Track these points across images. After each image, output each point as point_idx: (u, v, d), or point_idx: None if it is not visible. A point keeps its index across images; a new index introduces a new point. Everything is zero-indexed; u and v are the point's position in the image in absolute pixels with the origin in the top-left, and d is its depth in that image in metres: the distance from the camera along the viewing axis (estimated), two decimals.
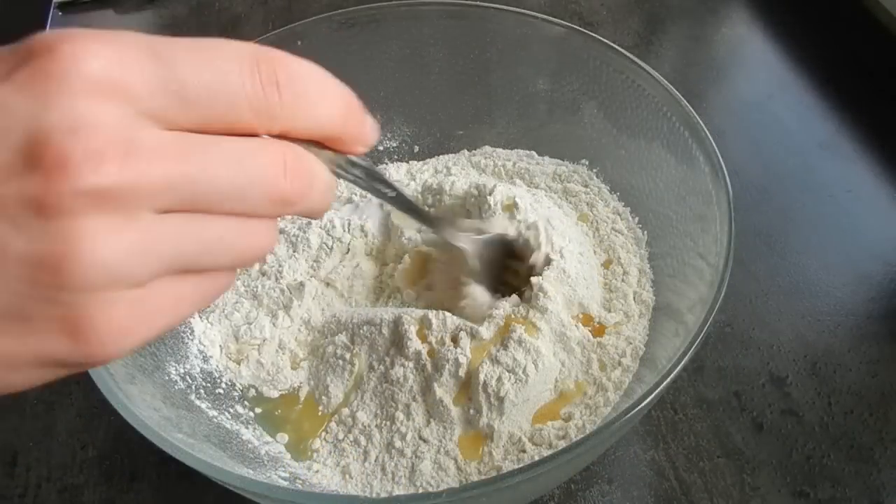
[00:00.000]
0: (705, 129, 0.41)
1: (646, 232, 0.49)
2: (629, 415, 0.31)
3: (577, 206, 0.51)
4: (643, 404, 0.31)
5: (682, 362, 0.32)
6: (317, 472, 0.40)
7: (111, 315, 0.19)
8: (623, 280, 0.46)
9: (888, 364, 0.47)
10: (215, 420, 0.41)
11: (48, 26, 0.81)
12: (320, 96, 0.22)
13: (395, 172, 0.56)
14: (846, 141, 0.61)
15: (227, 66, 0.20)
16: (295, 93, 0.21)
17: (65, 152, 0.17)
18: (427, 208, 0.51)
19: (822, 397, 0.46)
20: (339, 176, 0.24)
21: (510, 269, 0.45)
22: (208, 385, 0.43)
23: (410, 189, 0.53)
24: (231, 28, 0.79)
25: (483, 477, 0.38)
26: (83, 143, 0.17)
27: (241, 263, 0.22)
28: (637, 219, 0.50)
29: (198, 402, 0.41)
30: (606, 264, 0.47)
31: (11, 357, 0.19)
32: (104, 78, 0.18)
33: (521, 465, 0.37)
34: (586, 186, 0.52)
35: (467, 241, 0.42)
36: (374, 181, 0.28)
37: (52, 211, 0.17)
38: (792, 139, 0.62)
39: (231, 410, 0.43)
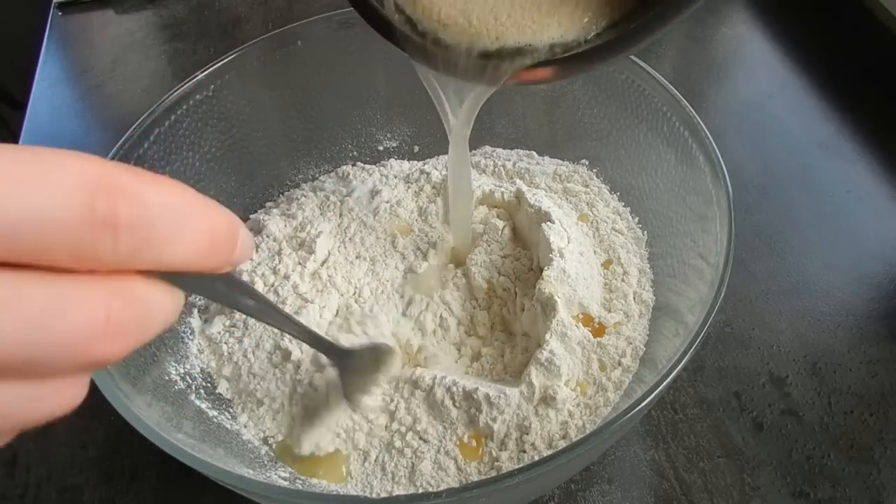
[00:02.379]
0: (705, 129, 0.41)
1: (646, 232, 0.49)
2: (629, 415, 0.31)
3: (577, 206, 0.51)
4: (643, 404, 0.31)
5: (682, 362, 0.32)
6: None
7: None
8: (623, 280, 0.46)
9: (888, 364, 0.47)
10: (215, 420, 0.41)
11: (48, 26, 0.81)
12: (175, 235, 0.17)
13: (398, 168, 0.56)
14: (846, 141, 0.61)
15: (46, 194, 0.15)
16: (138, 237, 0.16)
17: None
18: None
19: (822, 397, 0.46)
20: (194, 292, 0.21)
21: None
22: (208, 385, 0.43)
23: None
24: (231, 28, 0.79)
25: (483, 477, 0.38)
26: None
27: (34, 425, 0.18)
28: (637, 219, 0.50)
29: (198, 402, 0.41)
30: (606, 264, 0.47)
31: None
32: None
33: (521, 465, 0.37)
34: (586, 186, 0.52)
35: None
36: (238, 295, 0.25)
37: None
38: (792, 139, 0.62)
39: (231, 410, 0.43)
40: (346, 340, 0.42)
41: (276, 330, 0.44)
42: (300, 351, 0.43)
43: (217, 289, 0.22)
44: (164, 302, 0.18)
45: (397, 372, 0.42)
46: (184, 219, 0.18)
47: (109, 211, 0.16)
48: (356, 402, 0.39)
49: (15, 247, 0.15)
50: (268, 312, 0.30)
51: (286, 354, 0.43)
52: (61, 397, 0.17)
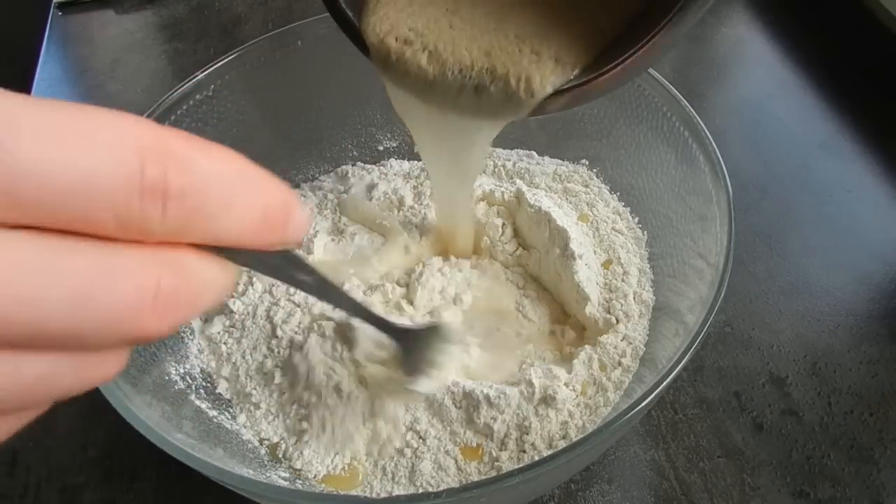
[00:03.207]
0: (705, 129, 0.41)
1: (646, 232, 0.49)
2: (629, 415, 0.31)
3: (577, 206, 0.51)
4: (643, 404, 0.31)
5: (682, 362, 0.32)
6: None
7: None
8: (623, 280, 0.46)
9: (888, 364, 0.47)
10: (215, 420, 0.41)
11: (48, 26, 0.81)
12: (227, 208, 0.16)
13: (398, 168, 0.56)
14: (846, 141, 0.61)
15: (94, 157, 0.14)
16: (188, 208, 0.15)
17: None
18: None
19: (822, 397, 0.46)
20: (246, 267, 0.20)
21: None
22: (208, 385, 0.44)
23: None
24: (231, 28, 0.79)
25: (483, 477, 0.38)
26: None
27: (70, 395, 0.17)
28: (637, 219, 0.50)
29: (198, 402, 0.41)
30: (606, 264, 0.47)
31: None
32: None
33: (521, 465, 0.37)
34: (586, 186, 0.52)
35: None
36: (295, 271, 0.24)
37: None
38: (792, 139, 0.62)
39: (231, 410, 0.43)
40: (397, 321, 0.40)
41: (276, 331, 0.44)
42: (310, 357, 0.42)
43: (272, 264, 0.21)
44: (215, 277, 0.17)
45: (456, 352, 0.40)
46: (237, 191, 0.16)
47: (159, 178, 0.15)
48: (415, 383, 0.38)
49: (60, 213, 0.14)
50: (325, 290, 0.29)
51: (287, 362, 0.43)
52: (100, 370, 0.17)
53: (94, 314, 0.15)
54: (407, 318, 0.44)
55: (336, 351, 0.42)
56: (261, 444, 0.41)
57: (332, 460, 0.40)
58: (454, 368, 0.41)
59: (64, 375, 0.16)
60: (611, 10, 0.31)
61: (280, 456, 0.40)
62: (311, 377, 0.41)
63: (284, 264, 0.23)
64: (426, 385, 0.39)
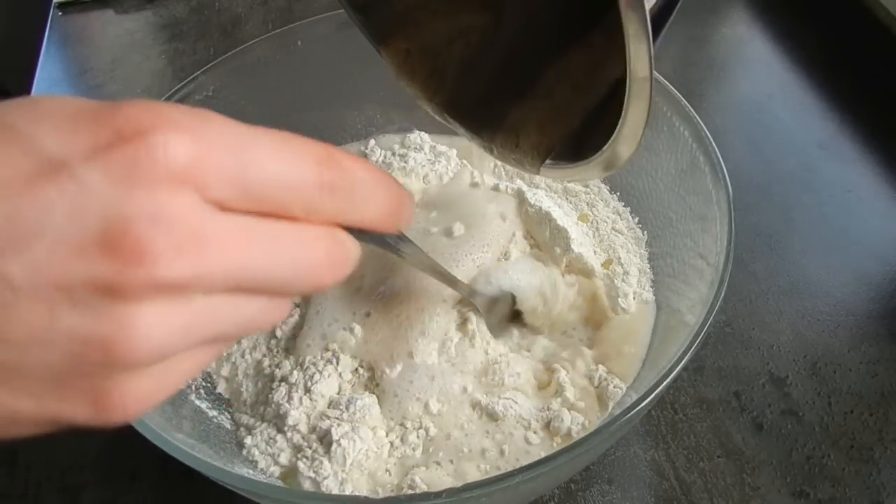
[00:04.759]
0: (705, 129, 0.41)
1: (646, 232, 0.49)
2: (629, 415, 0.31)
3: (577, 206, 0.51)
4: (643, 404, 0.31)
5: (682, 362, 0.32)
6: None
7: (139, 387, 0.19)
8: (623, 280, 0.46)
9: (888, 364, 0.47)
10: (215, 420, 0.41)
11: (48, 26, 0.81)
12: (368, 201, 0.23)
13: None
14: (846, 141, 0.61)
15: (295, 168, 0.20)
16: (346, 197, 0.22)
17: (144, 242, 0.17)
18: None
19: (822, 397, 0.46)
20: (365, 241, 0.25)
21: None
22: (208, 385, 0.44)
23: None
24: (231, 28, 0.79)
25: (483, 477, 0.38)
26: (163, 235, 0.17)
27: (254, 333, 0.23)
28: (637, 219, 0.50)
29: (198, 403, 0.41)
30: (606, 264, 0.47)
31: (25, 416, 0.19)
32: (186, 170, 0.18)
33: (521, 465, 0.37)
34: (586, 186, 0.52)
35: (480, 301, 0.42)
36: (401, 245, 0.31)
37: (119, 296, 0.17)
38: (792, 139, 0.62)
39: (230, 410, 0.43)
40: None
41: (275, 331, 0.45)
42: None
43: (388, 241, 0.29)
44: (355, 248, 0.23)
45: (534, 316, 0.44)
46: (376, 188, 0.23)
47: (332, 178, 0.21)
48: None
49: (270, 202, 0.20)
50: (421, 259, 0.35)
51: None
52: (280, 311, 0.22)
53: (299, 270, 0.21)
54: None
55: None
56: None
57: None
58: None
59: (265, 313, 0.21)
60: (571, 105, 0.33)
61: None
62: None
63: (396, 241, 0.30)
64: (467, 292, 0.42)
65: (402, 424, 0.40)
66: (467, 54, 0.35)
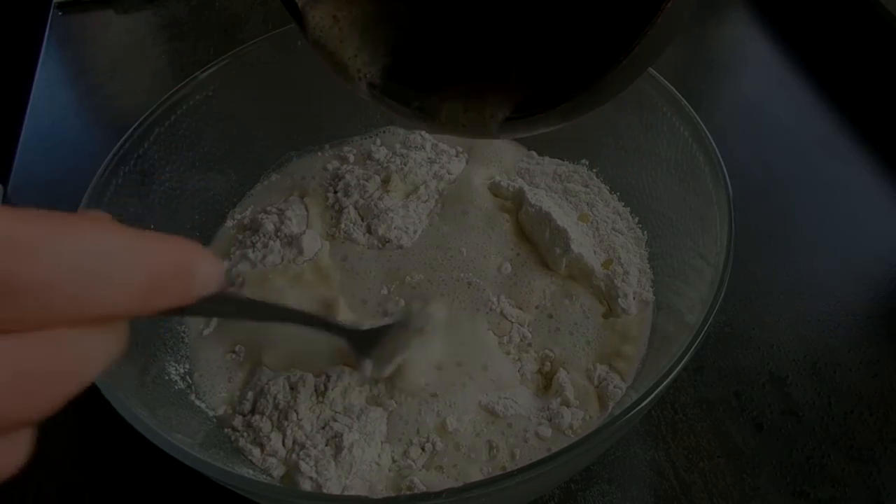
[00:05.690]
0: (705, 129, 0.41)
1: (646, 232, 0.49)
2: (629, 415, 0.31)
3: (577, 206, 0.51)
4: (643, 404, 0.31)
5: (682, 362, 0.32)
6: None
7: None
8: (623, 280, 0.46)
9: (888, 364, 0.47)
10: (215, 420, 0.41)
11: (48, 26, 0.81)
12: (100, 284, 0.16)
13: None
14: (846, 140, 0.61)
15: None
16: (47, 296, 0.15)
17: None
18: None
19: (822, 397, 0.46)
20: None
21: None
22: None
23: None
24: (231, 28, 0.79)
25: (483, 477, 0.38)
26: None
27: None
28: (637, 219, 0.50)
29: (198, 403, 0.41)
30: (606, 264, 0.47)
31: None
32: None
33: (521, 465, 0.37)
34: (586, 186, 0.52)
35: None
36: (227, 305, 0.25)
37: None
38: (792, 139, 0.62)
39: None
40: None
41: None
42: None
43: (205, 308, 0.21)
44: (88, 350, 0.16)
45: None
46: (111, 266, 0.16)
47: (3, 275, 0.14)
48: (363, 367, 0.38)
49: None
50: (260, 311, 0.31)
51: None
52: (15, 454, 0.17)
53: None
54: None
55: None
56: None
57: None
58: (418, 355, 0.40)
59: None
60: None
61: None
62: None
63: (214, 305, 0.23)
64: (369, 369, 0.38)
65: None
66: (403, 26, 0.32)
